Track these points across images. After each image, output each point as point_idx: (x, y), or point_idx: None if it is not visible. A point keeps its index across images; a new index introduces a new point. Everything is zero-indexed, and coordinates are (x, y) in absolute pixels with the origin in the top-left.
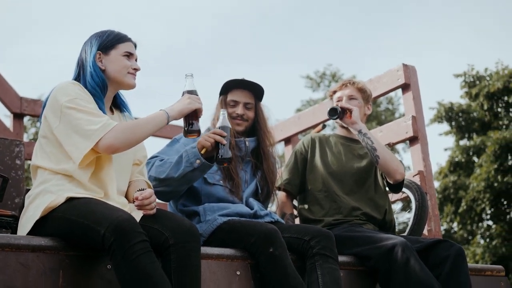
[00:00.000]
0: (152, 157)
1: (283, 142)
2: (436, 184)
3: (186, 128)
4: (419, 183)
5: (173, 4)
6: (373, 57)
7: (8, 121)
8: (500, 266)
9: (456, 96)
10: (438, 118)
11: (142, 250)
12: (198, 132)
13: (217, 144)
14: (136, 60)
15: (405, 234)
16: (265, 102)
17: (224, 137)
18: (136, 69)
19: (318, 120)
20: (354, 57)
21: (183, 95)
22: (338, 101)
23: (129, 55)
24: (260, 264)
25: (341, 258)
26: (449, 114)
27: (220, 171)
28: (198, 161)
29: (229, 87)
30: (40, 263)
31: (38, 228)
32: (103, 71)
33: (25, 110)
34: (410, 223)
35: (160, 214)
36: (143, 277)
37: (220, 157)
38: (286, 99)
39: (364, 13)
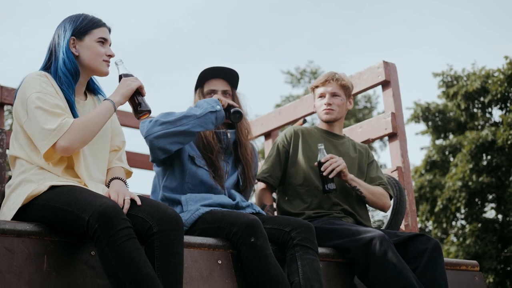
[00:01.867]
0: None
1: (263, 137)
2: (412, 183)
3: (136, 109)
4: (397, 179)
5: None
6: (354, 54)
7: None
8: (475, 261)
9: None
10: (415, 118)
11: (127, 237)
12: (148, 111)
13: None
14: (110, 45)
15: (383, 228)
16: (247, 97)
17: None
18: (110, 56)
19: (299, 115)
20: (335, 54)
21: (120, 80)
22: (320, 97)
23: (104, 41)
24: (241, 254)
25: (321, 250)
26: (425, 114)
27: (205, 160)
28: (218, 106)
29: (205, 77)
30: (25, 248)
31: (20, 216)
32: (76, 57)
33: (6, 99)
34: (388, 217)
35: (144, 202)
36: (128, 263)
37: (233, 110)
38: (265, 94)
39: (343, 9)
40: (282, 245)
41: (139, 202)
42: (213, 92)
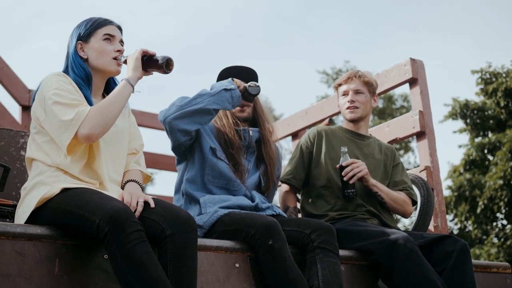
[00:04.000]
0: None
1: (290, 137)
2: (450, 182)
3: (158, 67)
4: (425, 179)
5: (188, 2)
6: (391, 53)
7: (17, 114)
8: (506, 263)
9: (472, 92)
10: (452, 115)
11: (137, 240)
12: (168, 59)
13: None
14: (121, 42)
15: (409, 229)
16: (280, 97)
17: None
18: (119, 51)
19: (325, 114)
20: (371, 53)
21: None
22: (344, 95)
23: (110, 37)
24: (259, 257)
25: (344, 252)
26: (464, 111)
27: (226, 154)
28: (232, 85)
29: (225, 76)
30: (36, 251)
31: (34, 219)
32: (86, 61)
33: None
34: (415, 219)
35: (158, 205)
36: (138, 266)
37: (248, 90)
38: (301, 94)
39: (381, 8)
40: (303, 248)
41: (152, 204)
42: None
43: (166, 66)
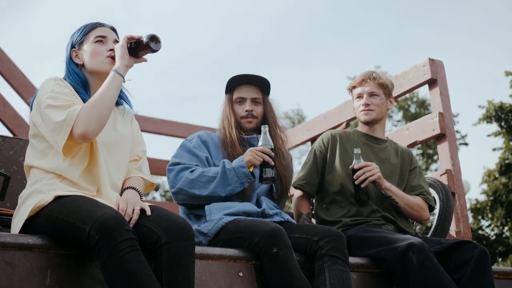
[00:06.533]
0: (172, 164)
1: (309, 142)
2: (486, 187)
3: (149, 45)
4: (445, 183)
5: (225, 11)
6: (422, 56)
7: None
8: None
9: (506, 94)
10: (487, 118)
11: (129, 249)
12: (154, 35)
13: (263, 163)
14: (116, 42)
15: (428, 235)
16: (311, 104)
17: (271, 157)
18: (112, 50)
19: (344, 118)
20: (401, 57)
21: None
22: (358, 97)
23: (102, 39)
24: (263, 265)
25: (355, 260)
26: (498, 113)
27: None
28: (248, 180)
29: (234, 84)
30: (27, 262)
31: (28, 228)
32: (83, 66)
33: None
34: (434, 224)
35: (153, 212)
36: (129, 276)
37: (265, 176)
38: (332, 100)
39: (412, 12)
40: (311, 256)
41: (148, 212)
42: (242, 100)
43: (152, 42)
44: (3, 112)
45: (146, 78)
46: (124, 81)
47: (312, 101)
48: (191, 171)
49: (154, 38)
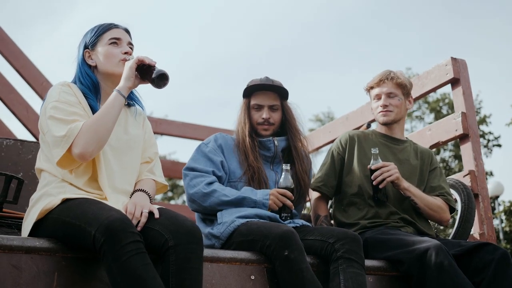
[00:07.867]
0: (187, 169)
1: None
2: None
3: (151, 80)
4: (468, 184)
5: (258, 17)
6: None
7: None
8: None
9: None
10: None
11: (134, 251)
12: (161, 74)
13: (283, 206)
14: (130, 44)
15: (449, 237)
16: (344, 109)
17: (291, 200)
18: (127, 53)
19: (366, 119)
20: (432, 60)
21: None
22: (376, 98)
23: (116, 41)
24: (275, 268)
25: (372, 263)
26: None
27: (245, 174)
28: (265, 207)
29: (252, 89)
30: (34, 265)
31: (37, 231)
32: (95, 68)
33: None
34: (455, 226)
35: (162, 214)
36: (134, 279)
37: (283, 215)
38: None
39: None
40: (326, 258)
41: (157, 215)
42: (259, 107)
43: (157, 82)
44: (26, 116)
45: (180, 82)
46: (126, 103)
47: (343, 104)
48: (207, 184)
49: (163, 77)
